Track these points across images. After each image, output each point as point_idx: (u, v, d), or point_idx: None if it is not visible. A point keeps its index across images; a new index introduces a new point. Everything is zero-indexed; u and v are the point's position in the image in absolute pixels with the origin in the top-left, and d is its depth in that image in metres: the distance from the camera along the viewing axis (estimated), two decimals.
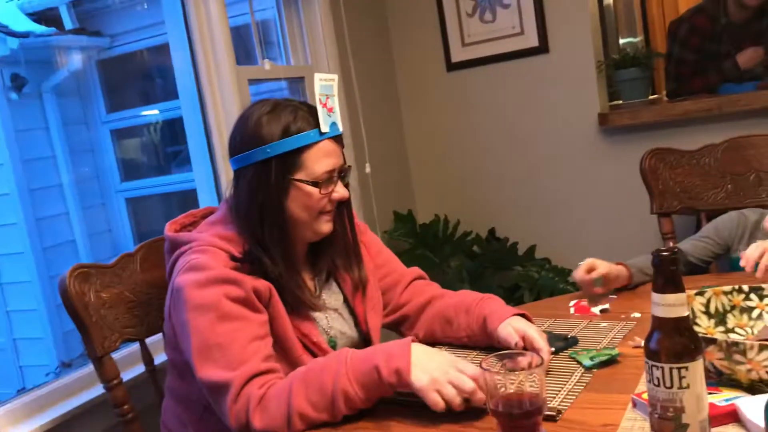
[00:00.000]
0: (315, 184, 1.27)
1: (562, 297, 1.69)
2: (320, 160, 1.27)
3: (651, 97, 3.30)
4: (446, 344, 1.44)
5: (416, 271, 1.57)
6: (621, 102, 3.11)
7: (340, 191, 1.31)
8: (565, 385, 1.17)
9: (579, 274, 1.60)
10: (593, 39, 2.89)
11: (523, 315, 1.34)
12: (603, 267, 1.60)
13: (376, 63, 3.08)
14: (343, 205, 1.36)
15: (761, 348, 0.98)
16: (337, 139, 1.31)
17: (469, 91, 3.11)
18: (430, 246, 2.92)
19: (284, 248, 1.27)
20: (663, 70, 3.32)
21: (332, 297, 1.42)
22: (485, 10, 3.01)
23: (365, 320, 1.42)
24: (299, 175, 1.26)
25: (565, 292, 2.59)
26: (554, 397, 1.12)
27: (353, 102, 2.73)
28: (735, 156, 2.06)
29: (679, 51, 3.05)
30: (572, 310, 1.57)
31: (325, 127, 1.27)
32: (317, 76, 1.29)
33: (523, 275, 2.84)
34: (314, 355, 1.28)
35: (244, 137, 1.27)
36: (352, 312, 1.43)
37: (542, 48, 2.93)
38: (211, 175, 2.17)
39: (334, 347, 1.35)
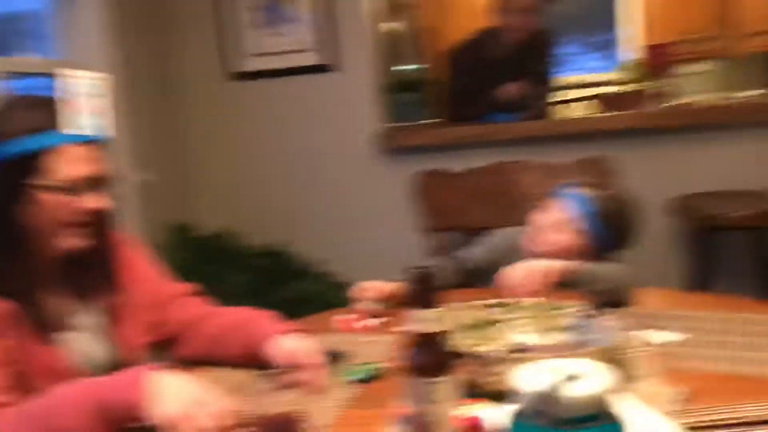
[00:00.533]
0: (60, 191, 1.14)
1: (335, 312, 1.72)
2: (68, 165, 1.14)
3: (429, 120, 3.49)
4: (218, 364, 1.37)
5: (190, 287, 1.49)
6: (400, 124, 3.25)
7: (92, 202, 1.19)
8: (329, 401, 1.16)
9: (351, 296, 1.67)
10: (377, 62, 3.00)
11: (296, 331, 1.32)
12: (372, 287, 1.66)
13: (155, 66, 2.92)
14: (100, 217, 1.24)
15: (507, 360, 1.04)
16: (94, 143, 1.20)
17: (256, 102, 3.07)
18: (209, 260, 2.82)
19: (26, 264, 1.13)
20: (441, 95, 3.53)
21: (87, 318, 1.29)
22: (274, 24, 3.01)
23: (125, 342, 1.31)
24: (41, 181, 1.12)
25: (345, 306, 2.63)
26: (318, 414, 1.10)
27: (126, 104, 2.55)
28: (501, 179, 2.23)
29: (456, 78, 3.26)
30: (343, 325, 1.60)
31: (76, 129, 1.15)
32: (75, 72, 1.17)
33: (307, 289, 2.84)
34: (62, 383, 1.15)
35: None
36: (112, 334, 1.32)
37: (328, 66, 3.00)
38: None
39: (87, 374, 1.23)
